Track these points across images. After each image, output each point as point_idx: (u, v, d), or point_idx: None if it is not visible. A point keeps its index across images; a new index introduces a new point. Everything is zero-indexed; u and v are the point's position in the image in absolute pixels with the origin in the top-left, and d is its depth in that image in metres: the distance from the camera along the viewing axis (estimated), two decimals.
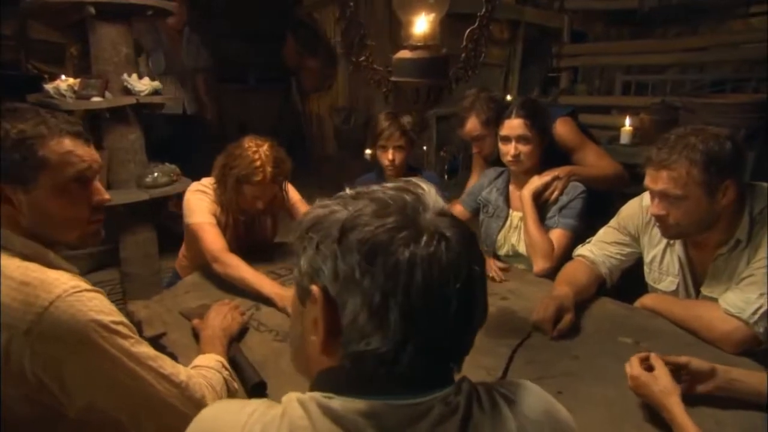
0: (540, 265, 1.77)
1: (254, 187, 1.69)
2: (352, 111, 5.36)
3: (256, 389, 1.15)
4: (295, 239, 0.60)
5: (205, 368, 1.07)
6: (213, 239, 1.68)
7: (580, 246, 1.71)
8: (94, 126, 2.68)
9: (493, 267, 1.77)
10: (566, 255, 1.75)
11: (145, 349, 0.93)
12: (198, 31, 4.09)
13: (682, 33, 3.79)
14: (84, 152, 0.97)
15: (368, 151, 4.93)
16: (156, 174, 2.81)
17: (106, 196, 1.02)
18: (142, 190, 2.72)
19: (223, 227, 1.78)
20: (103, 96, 2.58)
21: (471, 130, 2.09)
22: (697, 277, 1.48)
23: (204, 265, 1.74)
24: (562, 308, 1.41)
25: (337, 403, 0.54)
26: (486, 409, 0.58)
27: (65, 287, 0.86)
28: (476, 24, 1.25)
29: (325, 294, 0.56)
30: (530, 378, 1.18)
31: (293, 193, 1.96)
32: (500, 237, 1.97)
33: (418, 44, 1.16)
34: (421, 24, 1.15)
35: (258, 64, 5.68)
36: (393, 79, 1.21)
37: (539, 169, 1.88)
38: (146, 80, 2.72)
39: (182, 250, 2.02)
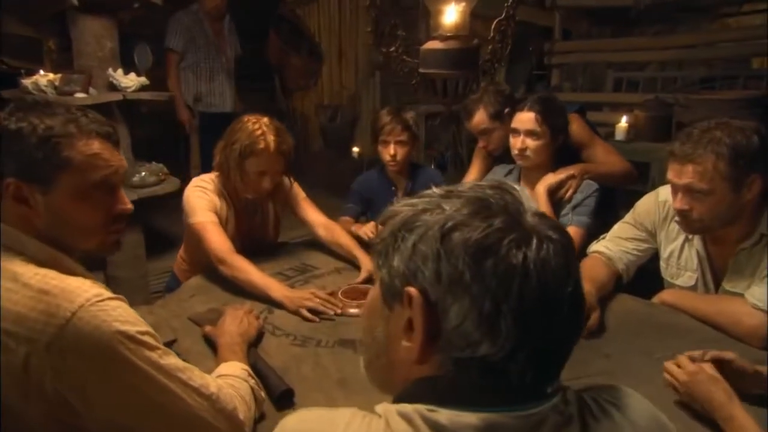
0: None
1: (258, 158, 1.63)
2: (338, 108, 5.29)
3: (283, 398, 1.08)
4: (384, 238, 0.55)
5: (232, 377, 1.00)
6: (218, 240, 1.60)
7: (594, 242, 1.69)
8: None
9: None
10: (579, 253, 1.73)
11: (173, 361, 0.86)
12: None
13: (662, 31, 3.84)
14: (111, 156, 0.91)
15: (356, 149, 4.90)
16: (143, 173, 2.71)
17: (129, 205, 0.96)
18: (130, 190, 2.60)
19: (224, 221, 1.71)
20: (87, 92, 2.46)
21: (478, 123, 2.05)
22: (716, 272, 1.47)
23: (206, 267, 1.67)
24: (587, 306, 1.38)
25: (444, 416, 0.50)
26: (599, 417, 0.55)
27: (88, 296, 0.79)
28: (503, 15, 1.22)
29: (424, 296, 0.51)
30: (568, 378, 1.14)
31: (299, 191, 1.89)
32: None
33: (449, 34, 1.11)
34: (451, 13, 1.10)
35: (241, 61, 5.55)
36: (422, 70, 1.16)
37: (552, 167, 1.86)
38: (132, 76, 2.61)
39: (181, 252, 1.93)
